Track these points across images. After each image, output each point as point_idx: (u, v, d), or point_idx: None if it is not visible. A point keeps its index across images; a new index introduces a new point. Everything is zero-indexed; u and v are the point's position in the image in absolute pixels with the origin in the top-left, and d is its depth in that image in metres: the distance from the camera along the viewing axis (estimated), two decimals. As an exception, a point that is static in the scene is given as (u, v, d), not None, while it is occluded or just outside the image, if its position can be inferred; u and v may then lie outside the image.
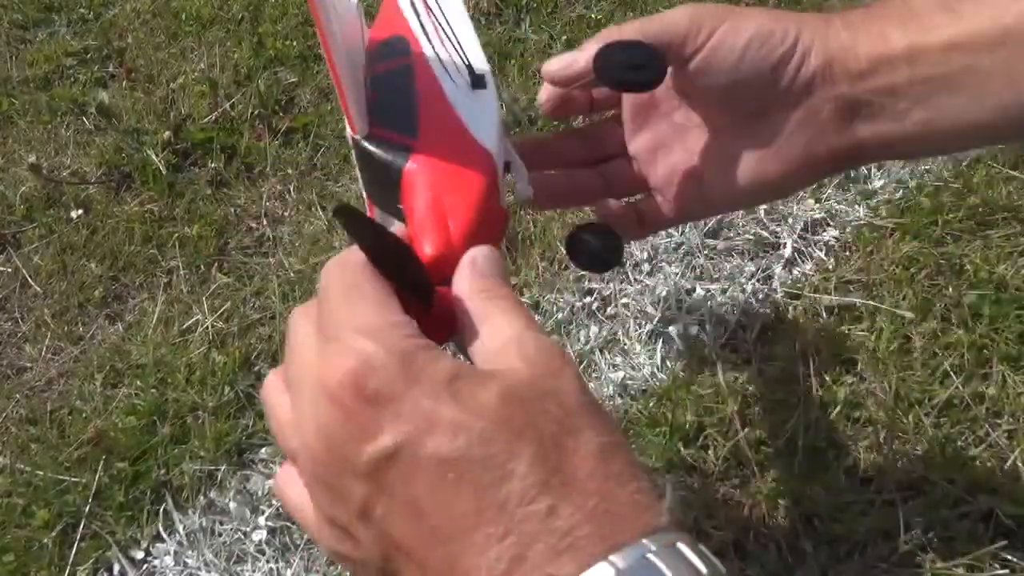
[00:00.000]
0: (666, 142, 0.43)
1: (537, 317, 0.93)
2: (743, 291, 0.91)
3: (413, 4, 0.44)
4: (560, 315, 0.91)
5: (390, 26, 0.44)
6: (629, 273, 0.95)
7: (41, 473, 0.80)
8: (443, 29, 0.42)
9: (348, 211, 0.28)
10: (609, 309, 0.92)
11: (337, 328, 0.27)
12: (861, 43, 0.38)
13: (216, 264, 1.00)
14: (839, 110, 0.38)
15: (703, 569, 0.25)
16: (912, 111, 0.38)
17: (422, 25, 0.43)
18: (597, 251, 0.43)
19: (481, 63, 0.41)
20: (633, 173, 0.45)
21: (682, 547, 0.25)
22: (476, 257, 0.32)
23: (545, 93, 0.44)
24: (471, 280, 0.31)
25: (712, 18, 0.37)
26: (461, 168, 0.36)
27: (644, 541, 0.25)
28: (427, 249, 0.34)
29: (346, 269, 0.30)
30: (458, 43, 0.42)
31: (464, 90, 0.40)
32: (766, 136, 0.39)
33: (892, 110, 0.38)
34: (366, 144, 0.38)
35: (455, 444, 0.25)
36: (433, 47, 0.41)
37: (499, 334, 0.29)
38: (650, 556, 0.24)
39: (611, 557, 0.24)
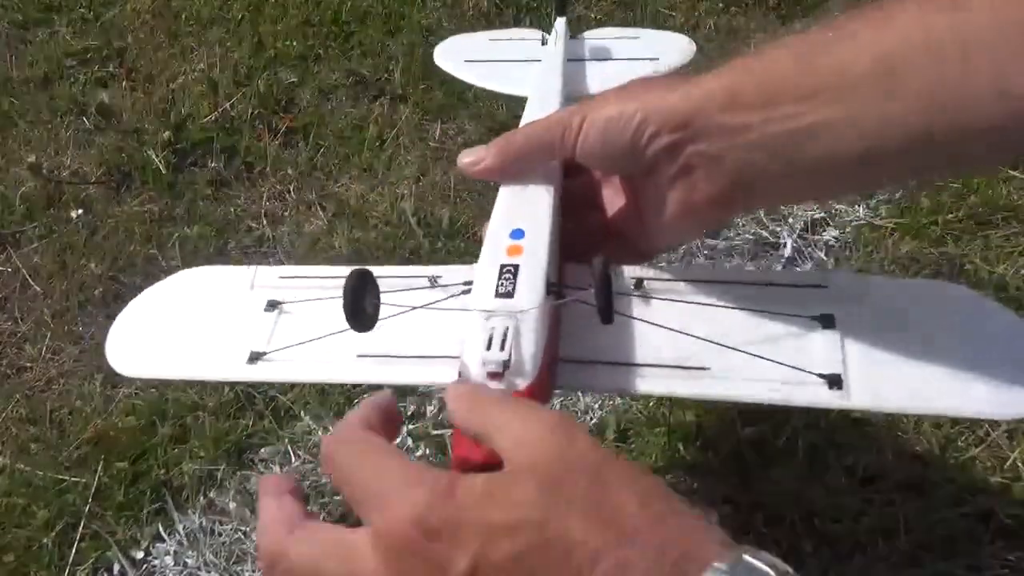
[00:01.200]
0: (611, 198, 0.52)
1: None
2: (743, 291, 0.91)
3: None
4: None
5: None
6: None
7: (41, 473, 0.80)
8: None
9: None
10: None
11: (378, 495, 0.31)
12: (712, 103, 0.41)
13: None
14: (703, 165, 0.42)
15: (774, 574, 0.26)
16: (771, 162, 0.40)
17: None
18: None
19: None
20: (605, 221, 0.53)
21: (748, 559, 0.27)
22: (452, 391, 0.36)
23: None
24: (457, 415, 0.35)
25: (578, 114, 0.45)
26: None
27: (716, 564, 0.26)
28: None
29: (351, 443, 0.34)
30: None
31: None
32: (656, 189, 0.45)
33: (750, 161, 0.41)
34: None
35: (516, 541, 0.28)
36: None
37: (508, 435, 0.32)
38: None
39: None
